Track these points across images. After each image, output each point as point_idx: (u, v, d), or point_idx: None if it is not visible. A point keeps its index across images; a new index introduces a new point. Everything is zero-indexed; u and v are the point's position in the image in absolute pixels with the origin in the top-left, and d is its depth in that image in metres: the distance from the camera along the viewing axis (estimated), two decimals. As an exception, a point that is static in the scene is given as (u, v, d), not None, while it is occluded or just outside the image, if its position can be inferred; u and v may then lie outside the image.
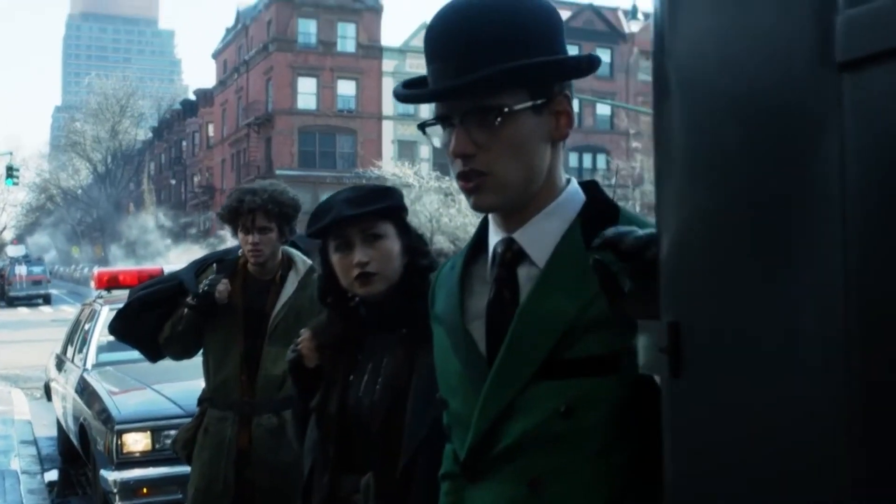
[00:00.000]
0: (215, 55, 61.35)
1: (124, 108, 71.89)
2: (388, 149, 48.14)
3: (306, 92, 48.37)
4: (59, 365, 9.34)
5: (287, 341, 3.77)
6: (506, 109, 1.49)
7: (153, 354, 4.36)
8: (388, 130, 48.85)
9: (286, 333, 3.82)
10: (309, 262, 4.09)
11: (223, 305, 4.00)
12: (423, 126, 1.64)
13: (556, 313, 1.47)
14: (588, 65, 1.55)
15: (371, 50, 49.04)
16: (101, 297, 8.59)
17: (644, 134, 45.07)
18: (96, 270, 8.74)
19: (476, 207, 1.56)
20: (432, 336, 1.75)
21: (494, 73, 1.47)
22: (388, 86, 48.54)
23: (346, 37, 49.16)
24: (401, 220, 2.55)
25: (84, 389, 7.41)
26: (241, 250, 4.12)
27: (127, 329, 4.32)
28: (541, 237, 1.56)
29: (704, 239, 0.92)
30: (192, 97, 68.41)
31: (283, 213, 3.99)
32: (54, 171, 77.36)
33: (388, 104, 48.69)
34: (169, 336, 4.13)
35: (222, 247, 7.02)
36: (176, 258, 33.50)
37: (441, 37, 1.53)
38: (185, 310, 4.05)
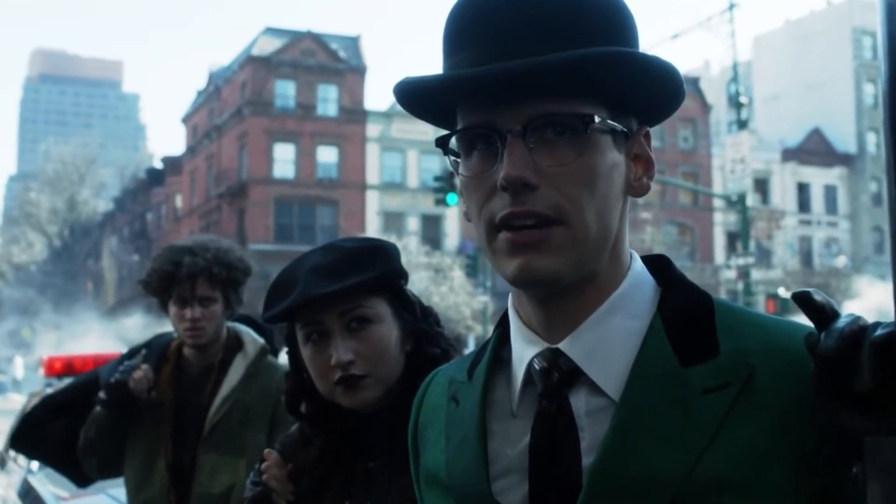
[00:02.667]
0: (185, 119, 61.54)
1: (84, 177, 71.94)
2: (373, 221, 47.96)
3: (283, 159, 48.30)
4: (2, 464, 8.92)
5: (230, 448, 3.30)
6: (597, 120, 1.08)
7: (76, 475, 3.65)
8: (373, 201, 48.73)
9: (228, 438, 3.27)
10: (262, 341, 3.48)
11: (148, 402, 3.34)
12: (445, 141, 1.17)
13: (653, 473, 1.03)
14: (684, 93, 1.17)
15: (354, 114, 49.17)
16: (51, 386, 8.20)
17: (654, 204, 45.15)
18: (46, 356, 8.39)
19: (525, 274, 1.09)
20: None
21: (601, 54, 1.04)
22: (373, 153, 48.68)
23: (328, 100, 49.33)
24: (398, 293, 1.99)
25: (28, 494, 7.00)
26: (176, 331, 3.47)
27: (30, 441, 3.63)
28: (605, 347, 1.12)
29: None
30: (159, 165, 68.45)
31: (231, 279, 3.35)
32: (5, 245, 77.07)
33: (373, 173, 48.69)
34: (82, 446, 3.43)
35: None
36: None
37: (484, 9, 1.10)
38: (98, 408, 3.36)
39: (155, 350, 3.47)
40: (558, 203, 1.07)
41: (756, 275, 30.80)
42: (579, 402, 1.11)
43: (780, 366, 1.04)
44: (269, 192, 47.57)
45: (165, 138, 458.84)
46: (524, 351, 1.17)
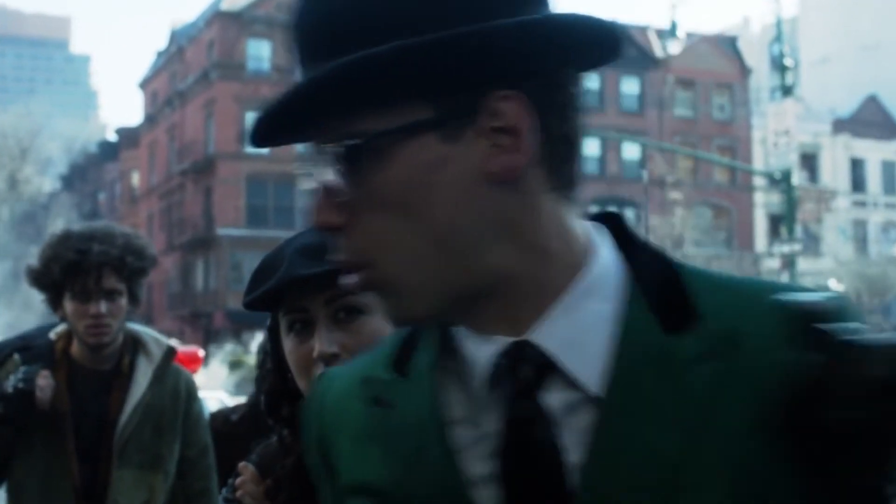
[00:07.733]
0: (142, 85, 61.55)
1: (26, 152, 71.77)
2: (360, 202, 47.90)
3: (257, 131, 48.20)
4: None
5: (144, 462, 3.36)
6: (393, 132, 1.06)
7: None
8: (360, 179, 48.67)
9: (142, 450, 3.31)
10: (165, 342, 3.50)
11: (41, 413, 3.25)
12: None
13: (651, 454, 1.04)
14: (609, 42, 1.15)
15: (339, 78, 49.05)
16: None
17: (685, 182, 45.08)
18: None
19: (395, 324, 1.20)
20: None
21: (347, 68, 1.04)
22: (361, 123, 48.54)
23: (308, 62, 49.23)
24: None
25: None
26: (53, 331, 3.43)
27: None
28: (582, 334, 1.09)
29: None
30: (112, 137, 68.47)
31: (139, 270, 3.37)
32: (-65, 229, 77.07)
33: (361, 146, 48.60)
34: None
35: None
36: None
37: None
38: None
39: (39, 352, 3.39)
40: (362, 241, 1.09)
41: (803, 264, 30.87)
42: (553, 399, 1.09)
43: (768, 328, 1.06)
44: (240, 169, 47.57)
45: (120, 106, 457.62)
46: (476, 344, 1.13)
